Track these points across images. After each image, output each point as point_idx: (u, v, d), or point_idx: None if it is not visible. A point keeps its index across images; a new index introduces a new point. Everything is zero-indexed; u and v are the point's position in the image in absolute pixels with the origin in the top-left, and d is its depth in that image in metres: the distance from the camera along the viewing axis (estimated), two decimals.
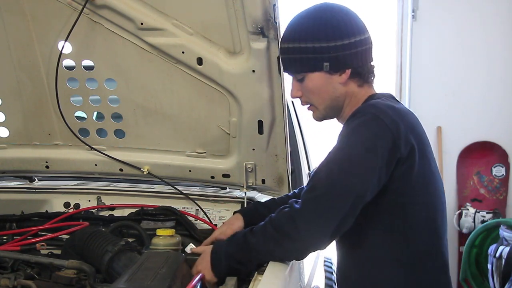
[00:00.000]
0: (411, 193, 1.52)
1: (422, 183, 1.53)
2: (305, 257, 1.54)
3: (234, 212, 1.95)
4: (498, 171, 4.74)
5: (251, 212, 1.89)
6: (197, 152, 2.14)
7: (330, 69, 1.54)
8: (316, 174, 1.50)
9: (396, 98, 1.66)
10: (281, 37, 1.62)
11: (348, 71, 1.56)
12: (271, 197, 2.11)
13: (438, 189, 1.61)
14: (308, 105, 1.65)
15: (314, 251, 1.52)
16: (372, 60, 1.61)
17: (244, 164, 2.06)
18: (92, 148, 2.20)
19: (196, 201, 2.19)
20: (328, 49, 1.52)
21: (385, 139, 1.44)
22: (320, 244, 1.47)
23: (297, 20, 1.58)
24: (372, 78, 1.63)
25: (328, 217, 1.43)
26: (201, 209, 2.17)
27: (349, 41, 1.53)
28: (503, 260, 3.61)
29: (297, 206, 1.45)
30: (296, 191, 2.00)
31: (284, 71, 1.68)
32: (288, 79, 1.80)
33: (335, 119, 1.70)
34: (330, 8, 1.56)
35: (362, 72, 1.59)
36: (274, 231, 1.46)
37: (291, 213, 1.45)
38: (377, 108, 1.49)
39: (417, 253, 1.56)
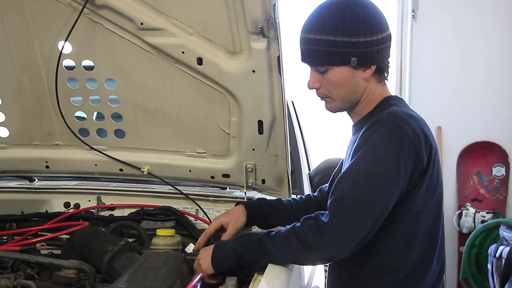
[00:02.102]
0: (422, 201, 1.52)
1: (433, 191, 1.54)
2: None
3: (237, 203, 1.91)
4: (498, 171, 4.74)
5: (255, 208, 1.86)
6: (197, 152, 2.14)
7: (357, 64, 1.53)
8: (341, 184, 1.47)
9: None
10: (305, 26, 1.57)
11: (373, 67, 1.55)
12: (271, 197, 2.11)
13: (442, 194, 1.61)
14: (324, 97, 1.62)
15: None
16: (389, 57, 1.62)
17: (244, 164, 2.06)
18: (92, 148, 2.20)
19: (196, 201, 2.19)
20: (357, 45, 1.51)
21: (409, 151, 1.45)
22: (342, 256, 1.46)
23: (324, 12, 1.54)
24: (387, 75, 1.64)
25: (355, 231, 1.42)
26: (201, 209, 2.17)
27: (376, 37, 1.52)
28: (503, 260, 3.62)
29: (324, 219, 1.44)
30: (303, 196, 1.97)
31: (303, 61, 1.61)
32: (288, 79, 1.80)
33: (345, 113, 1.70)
34: (360, 2, 1.54)
35: (384, 68, 1.60)
36: (299, 243, 1.45)
37: (319, 226, 1.43)
38: (399, 117, 1.48)
39: (416, 259, 1.55)
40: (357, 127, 1.66)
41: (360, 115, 1.65)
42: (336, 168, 1.92)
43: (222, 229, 1.78)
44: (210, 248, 1.55)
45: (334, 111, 1.65)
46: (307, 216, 1.50)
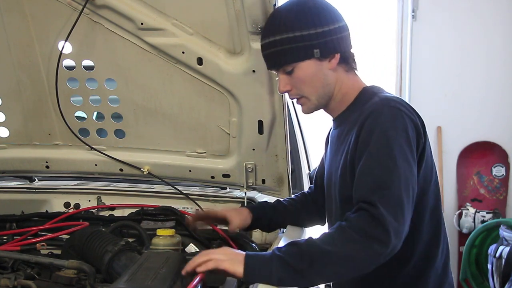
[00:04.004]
0: (423, 182, 1.51)
1: (430, 170, 1.54)
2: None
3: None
4: (498, 171, 4.74)
5: (259, 212, 1.85)
6: (197, 152, 2.14)
7: (321, 56, 1.53)
8: (369, 175, 1.42)
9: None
10: (263, 33, 1.59)
11: (337, 56, 1.55)
12: (271, 197, 2.11)
13: (437, 175, 1.61)
14: (299, 98, 1.61)
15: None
16: (352, 47, 1.61)
17: (244, 164, 2.06)
18: (92, 148, 2.20)
19: (196, 201, 2.19)
20: (317, 36, 1.51)
21: (412, 130, 1.45)
22: (400, 244, 1.37)
23: (278, 13, 1.57)
24: (355, 66, 1.63)
25: (403, 212, 1.38)
26: (201, 209, 2.16)
27: (333, 26, 1.54)
28: (503, 260, 3.62)
29: (372, 208, 1.35)
30: (298, 194, 1.98)
31: (269, 69, 1.63)
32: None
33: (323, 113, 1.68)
34: None
35: (348, 57, 1.59)
36: (359, 236, 1.33)
37: (373, 215, 1.34)
38: (393, 101, 1.49)
39: (424, 243, 1.55)
40: (340, 120, 1.64)
41: (339, 109, 1.63)
42: (318, 166, 1.92)
43: (223, 222, 1.80)
44: (236, 251, 1.41)
45: (311, 111, 1.64)
46: (348, 213, 1.40)
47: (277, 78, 1.62)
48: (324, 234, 1.40)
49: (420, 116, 1.52)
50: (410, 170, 1.42)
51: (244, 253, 1.38)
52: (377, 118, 1.46)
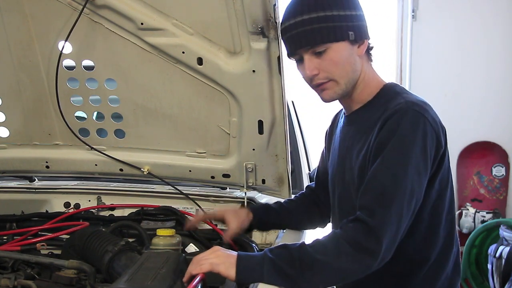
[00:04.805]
0: (440, 186, 1.51)
1: (447, 175, 1.54)
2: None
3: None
4: (498, 171, 4.74)
5: (262, 216, 1.85)
6: (197, 152, 2.14)
7: (354, 39, 1.50)
8: (377, 179, 1.41)
9: None
10: (293, 10, 1.51)
11: (366, 42, 1.55)
12: (271, 197, 2.11)
13: (452, 180, 1.61)
14: (326, 82, 1.53)
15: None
16: None
17: (244, 164, 2.06)
18: (92, 148, 2.20)
19: (196, 201, 2.19)
20: (352, 18, 1.49)
21: (432, 138, 1.45)
22: (390, 256, 1.40)
23: None
24: (372, 59, 1.62)
25: (401, 225, 1.39)
26: (201, 209, 2.17)
27: (362, 12, 1.54)
28: (503, 260, 3.62)
29: (370, 219, 1.36)
30: (298, 195, 1.97)
31: (295, 51, 1.54)
32: (288, 79, 1.79)
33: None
34: None
35: (371, 47, 1.59)
36: (351, 248, 1.35)
37: (369, 228, 1.36)
38: (418, 105, 1.46)
39: (441, 244, 1.55)
40: (357, 115, 1.60)
41: (360, 101, 1.59)
42: (319, 163, 1.91)
43: (221, 222, 1.81)
44: (228, 253, 1.41)
45: (336, 97, 1.57)
46: (345, 221, 1.42)
47: (296, 63, 1.56)
48: (317, 242, 1.40)
49: (441, 123, 1.51)
50: (418, 181, 1.41)
51: (235, 254, 1.39)
52: (399, 120, 1.43)
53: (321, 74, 1.52)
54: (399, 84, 1.65)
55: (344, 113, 1.69)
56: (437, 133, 1.47)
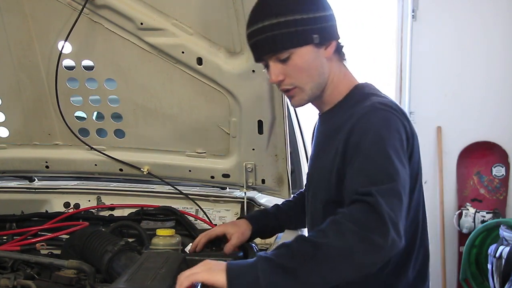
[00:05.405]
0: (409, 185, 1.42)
1: (415, 179, 1.48)
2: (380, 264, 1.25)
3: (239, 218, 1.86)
4: (498, 171, 4.74)
5: (260, 223, 1.79)
6: (197, 152, 2.14)
7: (319, 42, 1.44)
8: (362, 172, 1.32)
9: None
10: (254, 17, 1.45)
11: (334, 44, 1.48)
12: (271, 197, 2.11)
13: (422, 185, 1.54)
14: (291, 88, 1.49)
15: (392, 255, 1.25)
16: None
17: (244, 164, 2.06)
18: (92, 148, 2.20)
19: (196, 201, 2.19)
20: (315, 20, 1.42)
21: (404, 131, 1.40)
22: (401, 239, 1.23)
23: None
24: (345, 57, 1.56)
25: (400, 204, 1.27)
26: (201, 209, 2.17)
27: (329, 12, 1.47)
28: (503, 260, 3.61)
29: (368, 198, 1.23)
30: (296, 195, 1.95)
31: (259, 58, 1.48)
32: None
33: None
34: None
35: (341, 46, 1.53)
36: (356, 226, 1.20)
37: (369, 205, 1.22)
38: (384, 104, 1.43)
39: (400, 253, 1.41)
40: (327, 116, 1.57)
41: (330, 102, 1.55)
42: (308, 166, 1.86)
43: (224, 238, 1.71)
44: (218, 261, 1.28)
45: (303, 103, 1.53)
46: (338, 209, 1.28)
47: (264, 70, 1.52)
48: (315, 230, 1.26)
49: (410, 122, 1.46)
50: (405, 171, 1.35)
51: (225, 262, 1.25)
52: (368, 120, 1.39)
53: (287, 80, 1.47)
54: (371, 84, 1.58)
55: (319, 113, 1.66)
56: (406, 127, 1.41)
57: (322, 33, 1.44)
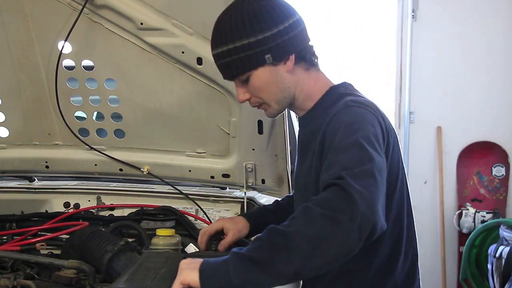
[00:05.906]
0: (387, 187, 1.37)
1: (396, 178, 1.46)
2: (359, 246, 1.18)
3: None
4: (498, 171, 4.74)
5: (259, 220, 1.79)
6: (197, 152, 2.14)
7: (274, 60, 1.43)
8: (336, 163, 1.27)
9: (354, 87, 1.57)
10: (212, 43, 1.48)
11: (292, 57, 1.46)
12: (271, 197, 2.11)
13: (405, 184, 1.51)
14: (259, 105, 1.53)
15: (371, 237, 1.19)
16: (309, 40, 1.52)
17: (244, 164, 2.06)
18: (92, 148, 2.20)
19: (196, 201, 2.19)
20: (266, 40, 1.41)
21: (378, 127, 1.37)
22: (380, 221, 1.18)
23: (223, 22, 1.46)
24: (316, 60, 1.54)
25: (378, 185, 1.23)
26: (201, 209, 2.17)
27: (283, 26, 1.44)
28: (503, 260, 3.61)
29: (334, 180, 1.20)
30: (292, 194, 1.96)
31: (225, 79, 1.53)
32: None
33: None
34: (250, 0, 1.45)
35: (305, 54, 1.50)
36: (324, 210, 1.15)
37: (341, 187, 1.18)
38: (358, 102, 1.42)
39: (384, 255, 1.47)
40: (305, 120, 1.58)
41: (305, 108, 1.55)
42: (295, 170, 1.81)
43: (222, 232, 1.73)
44: (197, 260, 1.24)
45: (275, 115, 1.56)
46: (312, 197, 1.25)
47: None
48: (288, 218, 1.21)
49: (387, 120, 1.44)
50: (381, 159, 1.30)
51: (200, 260, 1.21)
52: (340, 117, 1.38)
53: (252, 98, 1.51)
54: (348, 83, 1.57)
55: (297, 116, 1.65)
56: (381, 122, 1.39)
57: (275, 51, 1.43)
